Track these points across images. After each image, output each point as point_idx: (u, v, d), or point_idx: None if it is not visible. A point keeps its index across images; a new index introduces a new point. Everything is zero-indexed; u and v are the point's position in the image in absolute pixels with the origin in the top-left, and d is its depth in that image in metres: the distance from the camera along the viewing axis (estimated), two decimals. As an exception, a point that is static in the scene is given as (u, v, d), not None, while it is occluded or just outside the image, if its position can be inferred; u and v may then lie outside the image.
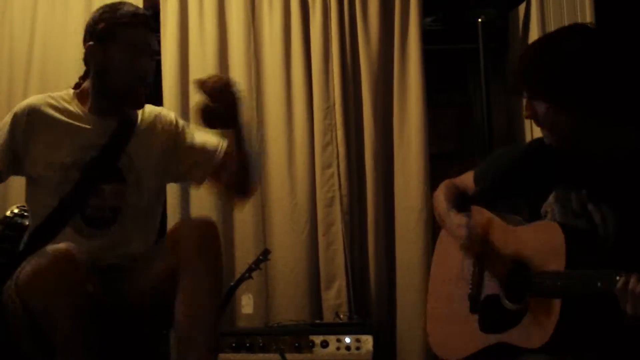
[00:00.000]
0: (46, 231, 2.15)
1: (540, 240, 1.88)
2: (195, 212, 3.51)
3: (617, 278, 1.61)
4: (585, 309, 1.75)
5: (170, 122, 2.32)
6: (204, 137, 2.30)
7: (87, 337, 1.87)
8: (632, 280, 1.60)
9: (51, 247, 1.93)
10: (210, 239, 2.03)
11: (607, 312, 1.73)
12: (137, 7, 2.29)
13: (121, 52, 2.15)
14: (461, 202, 2.19)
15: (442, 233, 2.24)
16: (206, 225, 2.07)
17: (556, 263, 1.80)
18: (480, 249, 2.03)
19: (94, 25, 2.19)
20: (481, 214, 2.10)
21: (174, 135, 2.30)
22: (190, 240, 2.00)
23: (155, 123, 2.30)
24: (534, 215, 2.00)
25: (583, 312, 1.75)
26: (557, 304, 1.75)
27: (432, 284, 2.25)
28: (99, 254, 2.15)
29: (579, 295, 1.72)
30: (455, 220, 2.09)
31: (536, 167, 2.03)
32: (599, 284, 1.65)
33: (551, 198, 1.95)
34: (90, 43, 2.19)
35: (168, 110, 2.40)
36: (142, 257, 2.17)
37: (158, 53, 2.24)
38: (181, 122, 2.34)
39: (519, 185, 2.07)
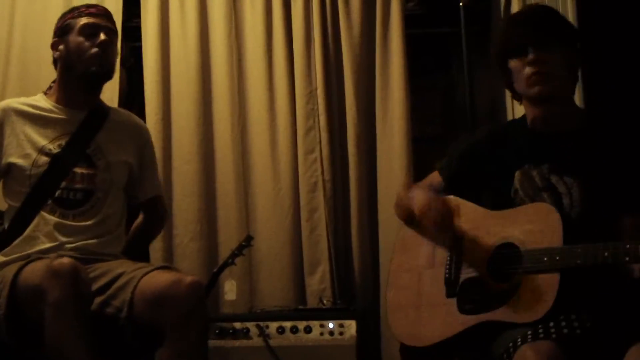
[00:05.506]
0: (23, 216, 2.30)
1: (532, 221, 1.91)
2: (177, 199, 3.49)
3: (628, 247, 1.68)
4: (584, 279, 1.79)
5: (145, 136, 2.60)
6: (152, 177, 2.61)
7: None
8: None
9: (56, 260, 2.00)
10: (200, 306, 2.05)
11: (605, 280, 1.81)
12: (95, 4, 2.60)
13: (77, 36, 2.41)
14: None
15: (404, 226, 2.21)
16: (195, 292, 2.05)
17: (552, 240, 1.84)
18: (454, 226, 2.04)
19: (56, 26, 2.49)
20: (459, 203, 2.10)
21: (142, 149, 2.56)
22: (180, 307, 2.01)
23: (128, 126, 2.55)
24: (503, 196, 2.03)
25: (582, 283, 1.79)
26: (555, 277, 1.79)
27: (394, 274, 2.20)
28: (71, 238, 2.28)
29: (581, 267, 1.76)
30: (424, 197, 2.06)
31: (500, 150, 2.09)
32: (605, 253, 1.72)
33: (517, 176, 2.02)
34: (54, 39, 2.47)
35: (147, 128, 2.69)
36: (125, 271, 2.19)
37: (113, 31, 2.49)
38: (152, 146, 2.64)
39: (484, 168, 2.10)
